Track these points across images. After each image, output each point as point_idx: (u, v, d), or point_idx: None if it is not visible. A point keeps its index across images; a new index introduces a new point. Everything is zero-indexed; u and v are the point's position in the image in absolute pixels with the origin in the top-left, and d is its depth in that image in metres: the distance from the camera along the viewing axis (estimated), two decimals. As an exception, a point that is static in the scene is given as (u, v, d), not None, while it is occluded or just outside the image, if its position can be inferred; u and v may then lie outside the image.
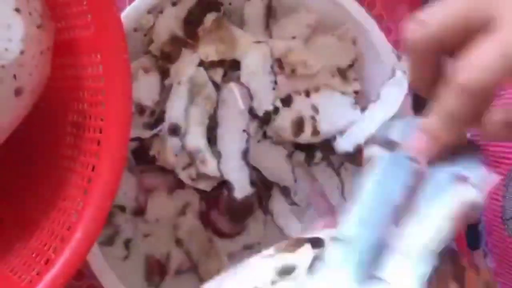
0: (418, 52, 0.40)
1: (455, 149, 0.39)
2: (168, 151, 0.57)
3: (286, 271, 0.37)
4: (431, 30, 0.38)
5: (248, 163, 0.58)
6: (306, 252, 0.38)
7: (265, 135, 0.60)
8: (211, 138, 0.58)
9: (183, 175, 0.58)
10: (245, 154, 0.58)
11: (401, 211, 0.38)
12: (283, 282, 0.37)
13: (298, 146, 0.62)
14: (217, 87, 0.58)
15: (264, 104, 0.59)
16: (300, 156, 0.62)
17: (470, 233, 0.64)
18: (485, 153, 0.60)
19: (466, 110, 0.37)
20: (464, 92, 0.36)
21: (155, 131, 0.56)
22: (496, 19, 0.36)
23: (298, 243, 0.39)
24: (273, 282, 0.37)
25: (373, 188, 0.39)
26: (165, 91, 0.58)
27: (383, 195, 0.39)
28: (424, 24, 0.39)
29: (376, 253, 0.37)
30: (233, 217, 0.61)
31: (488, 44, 0.36)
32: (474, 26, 0.37)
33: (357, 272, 0.36)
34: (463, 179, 0.39)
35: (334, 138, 0.61)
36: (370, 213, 0.38)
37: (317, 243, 0.38)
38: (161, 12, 0.57)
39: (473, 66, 0.36)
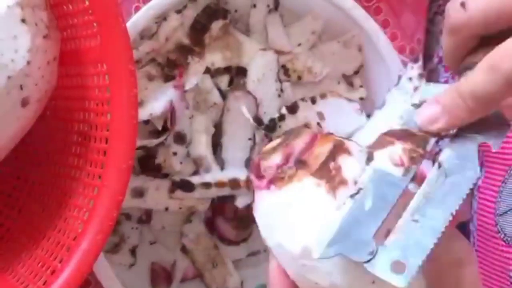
0: (459, 35, 0.40)
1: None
2: (174, 159, 0.57)
3: None
4: (474, 16, 0.39)
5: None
6: None
7: (270, 143, 0.60)
8: (217, 145, 0.58)
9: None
10: (249, 162, 0.58)
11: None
12: None
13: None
14: (223, 94, 0.58)
15: (269, 111, 0.59)
16: (305, 163, 0.62)
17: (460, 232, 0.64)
18: (489, 149, 0.60)
19: (490, 91, 0.37)
20: (497, 74, 0.37)
21: (161, 139, 0.56)
22: None
23: None
24: None
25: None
26: (171, 99, 0.58)
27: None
28: (467, 9, 0.39)
29: None
30: (238, 224, 0.61)
31: None
32: None
33: None
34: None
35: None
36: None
37: None
38: (166, 20, 0.57)
39: None
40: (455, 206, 0.39)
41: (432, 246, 0.38)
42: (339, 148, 0.42)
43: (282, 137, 0.46)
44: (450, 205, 0.39)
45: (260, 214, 0.44)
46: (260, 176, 0.44)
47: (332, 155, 0.42)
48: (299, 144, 0.44)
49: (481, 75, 0.38)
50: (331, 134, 0.46)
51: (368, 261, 0.38)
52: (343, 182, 0.41)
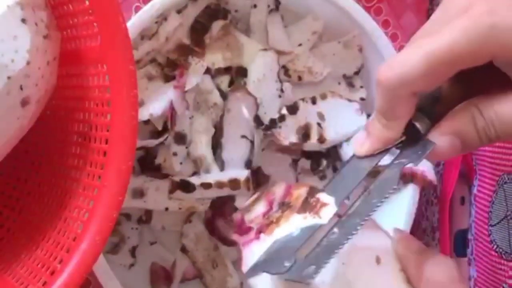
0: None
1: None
2: (174, 159, 0.57)
3: None
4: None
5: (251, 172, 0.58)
6: None
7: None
8: (217, 146, 0.58)
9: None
10: (248, 163, 0.58)
11: None
12: None
13: (304, 154, 0.62)
14: (223, 95, 0.58)
15: (270, 111, 0.59)
16: (305, 163, 0.62)
17: (458, 240, 0.64)
18: (481, 158, 0.60)
19: (384, 105, 0.40)
20: (379, 87, 0.39)
21: (161, 139, 0.56)
22: None
23: None
24: None
25: None
26: (171, 100, 0.58)
27: None
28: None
29: None
30: (238, 225, 0.61)
31: (411, 47, 0.38)
32: None
33: None
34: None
35: (340, 145, 0.61)
36: None
37: None
38: (167, 20, 0.57)
39: (391, 64, 0.39)
40: (370, 212, 0.41)
41: (342, 246, 0.39)
42: (315, 189, 0.44)
43: (258, 192, 0.48)
44: (364, 213, 0.41)
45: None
46: (245, 230, 0.45)
47: (311, 194, 0.44)
48: (278, 190, 0.46)
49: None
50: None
51: (285, 272, 0.39)
52: (324, 204, 0.42)
